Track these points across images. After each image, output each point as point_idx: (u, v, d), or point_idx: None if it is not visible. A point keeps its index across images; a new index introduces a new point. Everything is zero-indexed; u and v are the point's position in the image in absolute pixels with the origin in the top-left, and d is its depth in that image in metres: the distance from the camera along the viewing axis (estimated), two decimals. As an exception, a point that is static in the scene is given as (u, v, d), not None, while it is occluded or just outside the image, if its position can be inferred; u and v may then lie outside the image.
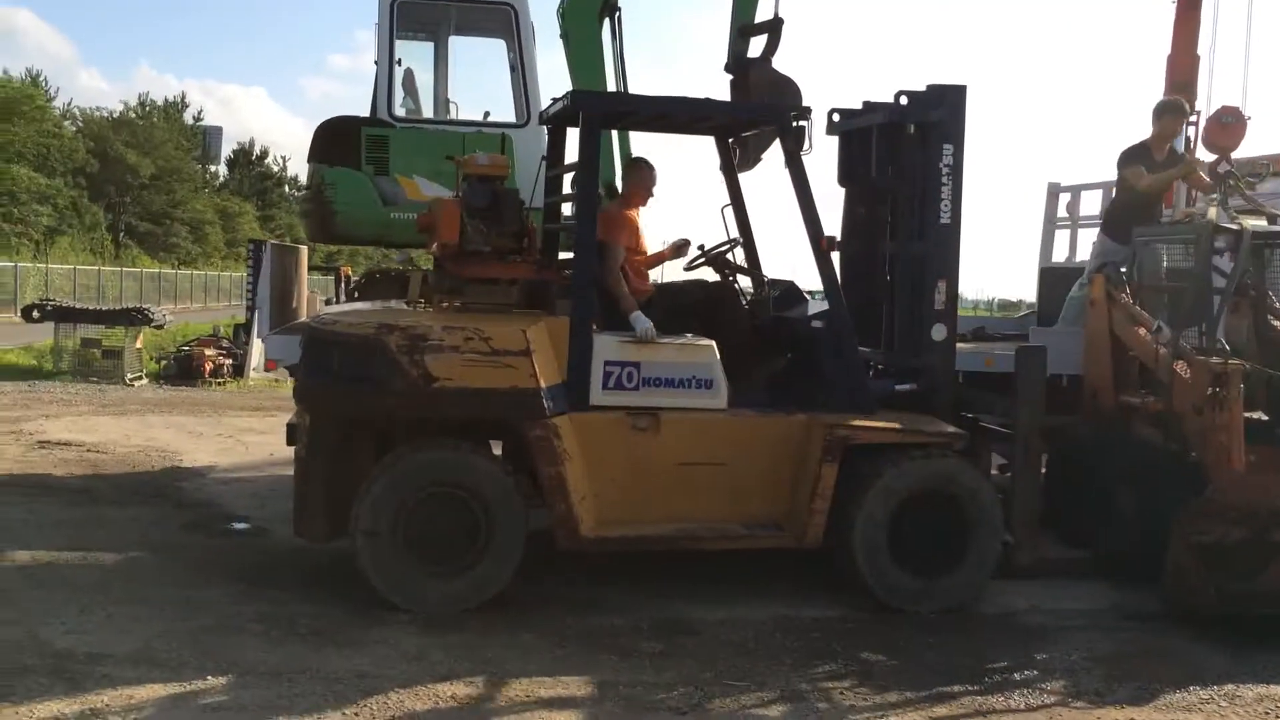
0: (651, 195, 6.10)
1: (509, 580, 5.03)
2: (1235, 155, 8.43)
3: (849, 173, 6.42)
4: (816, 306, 6.04)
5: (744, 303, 6.21)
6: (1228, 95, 16.03)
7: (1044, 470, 6.81)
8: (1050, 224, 9.59)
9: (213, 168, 55.69)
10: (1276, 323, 6.53)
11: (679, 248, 6.17)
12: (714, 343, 5.50)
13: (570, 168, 5.94)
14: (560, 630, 4.78)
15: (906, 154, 5.92)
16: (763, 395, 5.74)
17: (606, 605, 5.17)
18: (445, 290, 5.65)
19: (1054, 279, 9.02)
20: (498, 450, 5.66)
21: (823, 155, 6.56)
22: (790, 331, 5.98)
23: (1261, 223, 6.38)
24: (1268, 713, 4.22)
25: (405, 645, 4.54)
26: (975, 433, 6.14)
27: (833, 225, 6.44)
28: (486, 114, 8.49)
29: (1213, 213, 6.49)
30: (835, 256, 5.92)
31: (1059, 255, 9.48)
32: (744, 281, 6.31)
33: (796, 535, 5.37)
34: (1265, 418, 6.30)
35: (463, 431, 5.25)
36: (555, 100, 6.01)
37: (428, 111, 8.83)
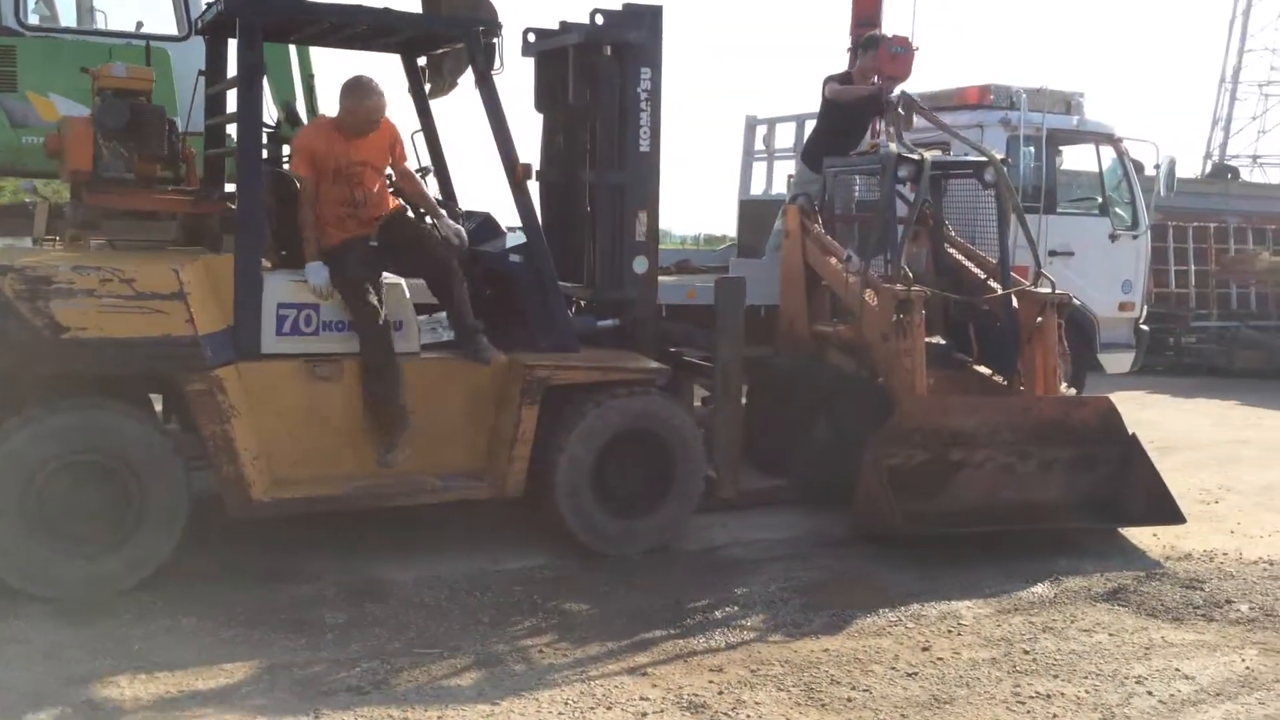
0: (372, 124, 5.00)
1: (170, 554, 4.42)
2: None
3: (546, 97, 6.08)
4: (516, 241, 5.70)
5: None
6: (924, 29, 16.91)
7: (745, 401, 6.92)
8: (748, 157, 9.70)
9: None
10: (953, 250, 6.85)
11: None
12: (402, 281, 5.06)
13: (232, 84, 5.24)
14: (230, 608, 4.24)
15: (603, 77, 5.64)
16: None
17: (287, 574, 4.66)
18: (79, 225, 4.85)
19: (752, 211, 9.17)
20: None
21: (525, 79, 6.18)
22: (487, 267, 5.60)
23: (938, 153, 6.63)
24: (951, 629, 4.37)
25: (39, 641, 3.87)
26: (678, 367, 6.05)
27: (533, 154, 6.14)
28: (139, 24, 7.47)
29: (894, 146, 6.69)
30: (535, 187, 5.62)
31: (757, 188, 9.62)
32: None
33: (497, 485, 5.06)
34: (944, 342, 6.64)
35: (115, 388, 4.53)
36: (210, 5, 5.27)
37: (67, 19, 7.67)
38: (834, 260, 6.53)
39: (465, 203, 5.90)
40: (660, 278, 8.32)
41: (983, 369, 6.45)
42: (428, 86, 6.09)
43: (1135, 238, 8.97)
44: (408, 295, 5.04)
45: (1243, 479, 7.22)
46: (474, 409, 5.14)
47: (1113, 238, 8.81)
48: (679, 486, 5.32)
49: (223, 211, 5.15)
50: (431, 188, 5.77)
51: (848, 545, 5.47)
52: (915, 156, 6.26)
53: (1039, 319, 6.05)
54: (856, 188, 7.55)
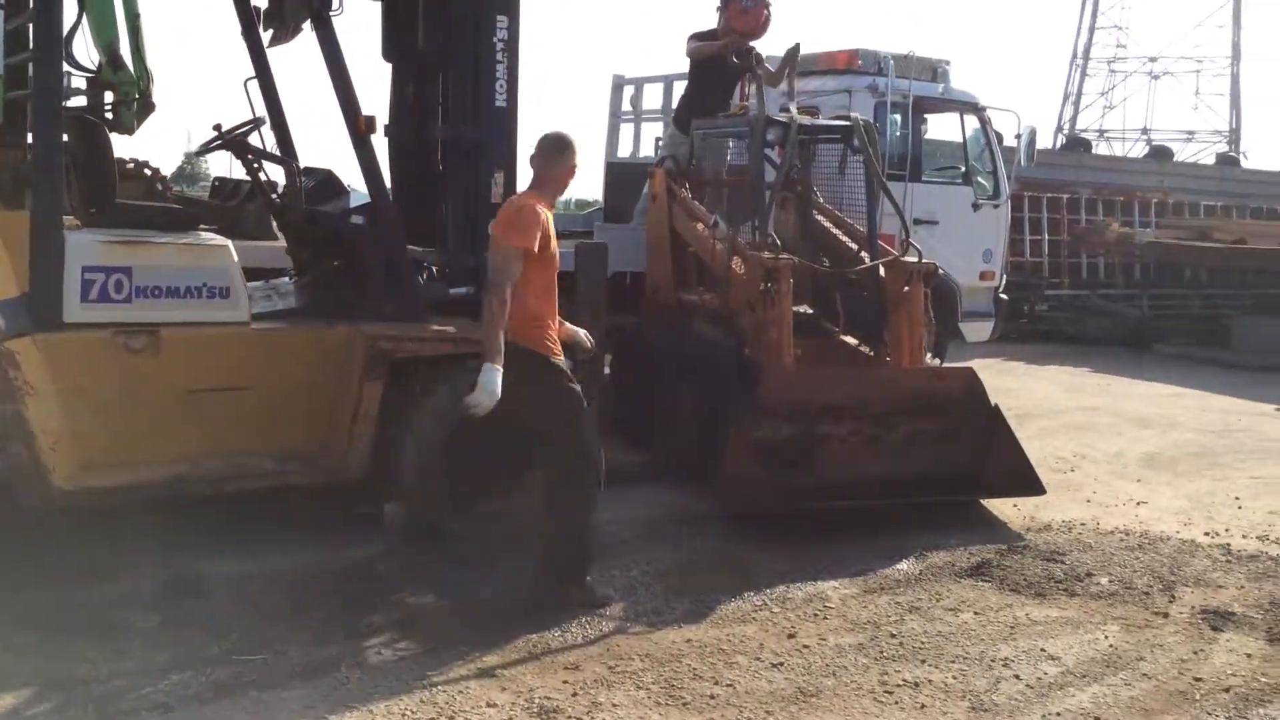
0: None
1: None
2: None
3: (394, 46, 5.61)
4: (361, 200, 5.25)
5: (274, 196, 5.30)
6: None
7: (609, 371, 6.65)
8: (615, 118, 9.37)
9: None
10: (820, 217, 6.70)
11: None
12: (229, 242, 4.58)
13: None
14: (25, 610, 3.75)
15: (457, 25, 5.22)
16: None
17: (99, 570, 4.16)
18: None
19: (619, 174, 8.85)
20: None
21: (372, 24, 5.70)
22: (329, 229, 5.15)
23: (808, 117, 6.44)
24: (817, 613, 4.21)
25: None
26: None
27: (382, 107, 5.68)
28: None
29: (763, 105, 6.47)
30: (383, 142, 5.20)
31: (624, 150, 9.32)
32: (273, 170, 5.36)
33: (337, 468, 4.66)
34: (810, 311, 6.49)
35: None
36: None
37: None
38: (700, 226, 6.30)
39: (307, 159, 5.44)
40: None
41: (849, 339, 6.34)
42: (267, 32, 5.56)
43: (996, 207, 9.04)
44: (235, 258, 4.56)
45: (1096, 446, 7.35)
46: (312, 385, 4.71)
47: (975, 207, 8.85)
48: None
49: (18, 161, 4.57)
50: (269, 141, 5.30)
51: (713, 523, 5.27)
52: (784, 119, 6.05)
53: (905, 288, 5.95)
54: (729, 151, 7.33)
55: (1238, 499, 6.11)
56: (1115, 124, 39.41)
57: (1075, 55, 39.08)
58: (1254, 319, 12.82)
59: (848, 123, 6.33)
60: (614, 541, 4.99)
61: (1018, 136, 9.11)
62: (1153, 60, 39.77)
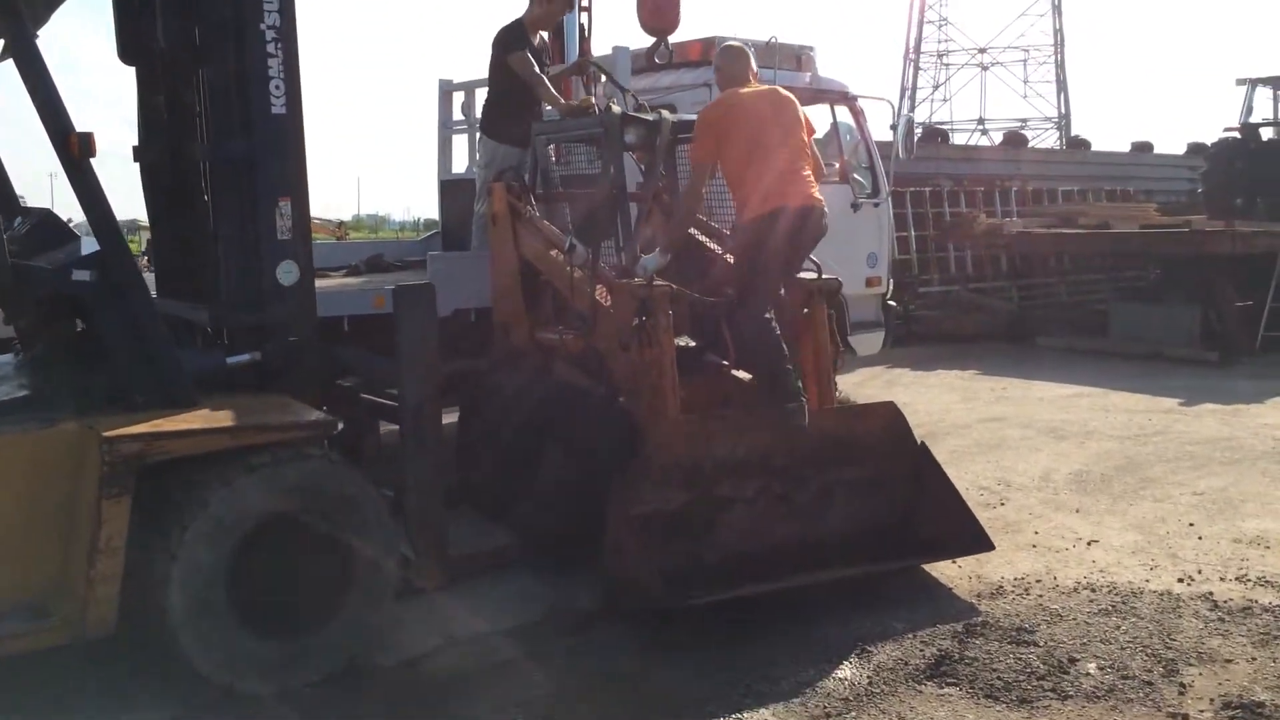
0: None
1: None
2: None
3: (131, 42, 4.31)
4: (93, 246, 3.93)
5: None
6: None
7: (457, 424, 5.49)
8: (445, 129, 8.18)
9: None
10: (693, 231, 5.65)
11: None
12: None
13: None
14: None
15: (209, 12, 3.97)
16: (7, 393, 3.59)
17: None
18: None
19: (456, 192, 7.63)
20: None
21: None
22: (47, 288, 3.80)
23: (676, 115, 5.40)
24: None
25: None
26: (356, 410, 4.49)
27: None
28: None
29: (615, 104, 5.43)
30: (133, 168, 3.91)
31: (460, 165, 8.12)
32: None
33: (73, 622, 3.35)
34: (692, 343, 5.41)
35: None
36: None
37: None
38: (554, 250, 5.18)
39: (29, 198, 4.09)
40: (342, 281, 6.74)
41: (741, 374, 5.29)
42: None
43: (877, 206, 8.20)
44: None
45: (1017, 469, 6.53)
46: (33, 508, 3.39)
47: (854, 206, 7.98)
48: (361, 583, 3.78)
49: None
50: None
51: (603, 627, 4.15)
52: (650, 117, 4.99)
53: (805, 309, 4.97)
54: (579, 159, 6.25)
55: (1192, 525, 5.33)
56: (949, 115, 40.22)
57: (908, 51, 39.67)
58: (1130, 305, 12.47)
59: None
60: (479, 669, 3.84)
61: (893, 127, 8.33)
62: (981, 51, 40.79)
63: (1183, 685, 3.56)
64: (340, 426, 3.86)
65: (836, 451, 4.67)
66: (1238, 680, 3.59)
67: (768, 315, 4.67)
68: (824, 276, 4.94)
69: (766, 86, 5.09)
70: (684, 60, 7.94)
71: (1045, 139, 33.90)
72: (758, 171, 4.66)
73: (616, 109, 5.13)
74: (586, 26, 7.84)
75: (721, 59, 5.12)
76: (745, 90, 4.88)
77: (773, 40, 7.59)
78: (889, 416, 4.85)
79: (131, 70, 4.39)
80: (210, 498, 3.45)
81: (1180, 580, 4.56)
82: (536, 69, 6.07)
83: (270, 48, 3.92)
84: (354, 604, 3.78)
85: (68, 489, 3.39)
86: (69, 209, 4.30)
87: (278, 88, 3.96)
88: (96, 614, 3.34)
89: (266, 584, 3.60)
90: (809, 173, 4.79)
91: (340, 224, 36.86)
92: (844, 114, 8.08)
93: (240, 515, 3.51)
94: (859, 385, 8.68)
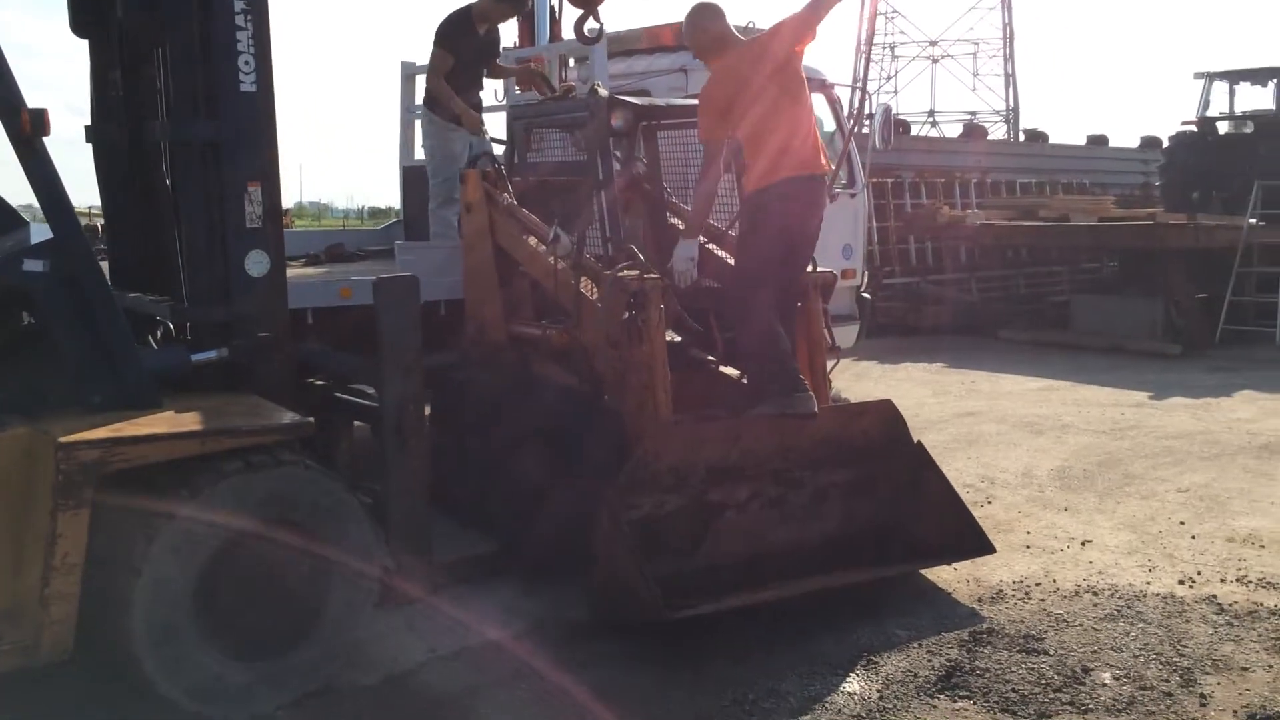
0: None
1: None
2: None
3: (87, 13, 4.00)
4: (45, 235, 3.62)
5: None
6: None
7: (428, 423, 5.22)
8: (408, 114, 7.83)
9: None
10: (675, 220, 5.44)
11: None
12: None
13: None
14: None
15: (171, -22, 3.68)
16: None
17: None
18: None
19: (417, 179, 7.34)
20: None
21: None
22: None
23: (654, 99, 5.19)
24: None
25: None
26: (330, 410, 4.20)
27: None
28: None
29: (601, 88, 5.19)
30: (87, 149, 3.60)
31: (422, 151, 7.80)
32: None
33: (26, 645, 3.07)
34: (678, 338, 5.20)
35: None
36: None
37: None
38: (535, 240, 4.93)
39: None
40: (301, 271, 6.44)
41: (730, 370, 5.10)
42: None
43: (854, 196, 8.06)
44: None
45: (998, 465, 6.43)
46: (-19, 519, 3.10)
47: (831, 197, 7.80)
48: (339, 596, 3.54)
49: None
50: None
51: (591, 638, 3.94)
52: (636, 100, 4.77)
53: (799, 304, 4.78)
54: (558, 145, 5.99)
55: (1183, 523, 5.25)
56: (898, 108, 40.36)
57: (859, 44, 39.75)
58: (1091, 297, 12.52)
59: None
60: (464, 689, 3.60)
61: (869, 117, 8.16)
62: (933, 44, 41.00)
63: (1203, 696, 3.44)
64: (311, 429, 3.60)
65: (831, 452, 4.50)
66: (1257, 690, 3.48)
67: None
68: (818, 270, 4.76)
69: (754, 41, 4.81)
70: (657, 45, 7.74)
71: (994, 132, 34.10)
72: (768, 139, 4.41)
73: (602, 92, 4.90)
74: (557, 7, 7.60)
75: (701, 19, 4.69)
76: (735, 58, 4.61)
77: (750, 24, 7.38)
78: (884, 414, 4.70)
79: (84, 45, 4.08)
80: (179, 507, 3.18)
81: (1181, 582, 4.46)
82: (442, 77, 6.04)
83: (240, 19, 3.64)
84: (332, 618, 3.53)
85: (18, 500, 3.11)
86: (20, 195, 3.97)
87: (247, 63, 3.68)
88: (52, 636, 3.07)
89: (237, 600, 3.34)
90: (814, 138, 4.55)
91: (285, 212, 36.17)
92: (819, 102, 7.91)
93: (209, 527, 3.24)
94: (830, 379, 8.53)
